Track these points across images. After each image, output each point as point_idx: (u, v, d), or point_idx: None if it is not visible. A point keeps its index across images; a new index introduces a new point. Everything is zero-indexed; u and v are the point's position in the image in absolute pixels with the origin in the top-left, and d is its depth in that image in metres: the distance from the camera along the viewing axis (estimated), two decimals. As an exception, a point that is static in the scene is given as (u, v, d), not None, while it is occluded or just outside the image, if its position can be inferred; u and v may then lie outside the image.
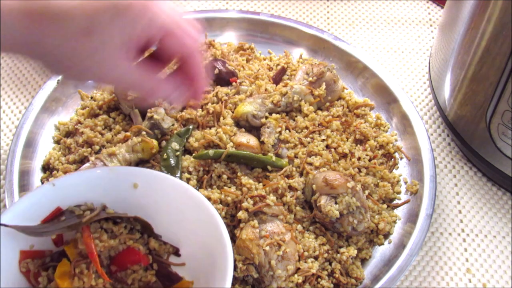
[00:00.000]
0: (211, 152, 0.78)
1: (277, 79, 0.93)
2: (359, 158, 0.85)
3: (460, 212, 0.88)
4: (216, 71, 0.90)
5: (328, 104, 0.91)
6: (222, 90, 0.88)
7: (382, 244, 0.80)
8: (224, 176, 0.78)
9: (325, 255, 0.75)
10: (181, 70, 0.63)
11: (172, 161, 0.78)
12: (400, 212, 0.83)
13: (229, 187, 0.77)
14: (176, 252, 0.68)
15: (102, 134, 0.86)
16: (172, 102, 0.66)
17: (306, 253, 0.74)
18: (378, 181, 0.85)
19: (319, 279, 0.74)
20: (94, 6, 0.53)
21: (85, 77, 0.65)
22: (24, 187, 0.81)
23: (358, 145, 0.87)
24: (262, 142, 0.82)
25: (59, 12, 0.53)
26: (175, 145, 0.80)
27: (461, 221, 0.87)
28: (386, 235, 0.81)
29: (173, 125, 0.83)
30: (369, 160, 0.86)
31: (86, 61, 0.56)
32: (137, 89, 0.64)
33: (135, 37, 0.57)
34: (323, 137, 0.86)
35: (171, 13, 0.59)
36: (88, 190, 0.66)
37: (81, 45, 0.54)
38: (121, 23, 0.55)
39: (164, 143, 0.81)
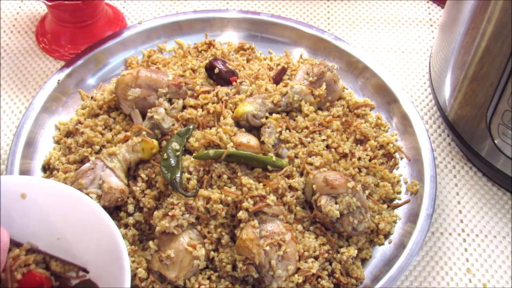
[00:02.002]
0: (211, 152, 0.78)
1: (277, 79, 0.93)
2: (359, 158, 0.85)
3: (460, 212, 0.88)
4: (216, 70, 0.90)
5: (328, 104, 0.91)
6: (223, 90, 0.88)
7: (382, 244, 0.80)
8: (224, 176, 0.78)
9: (325, 255, 0.75)
10: None
11: (172, 161, 0.78)
12: (400, 212, 0.83)
13: (229, 187, 0.77)
14: (84, 270, 0.65)
15: (102, 134, 0.86)
16: None
17: (306, 253, 0.74)
18: (378, 181, 0.85)
19: (319, 279, 0.74)
20: None
21: None
22: (24, 187, 0.81)
23: (358, 145, 0.87)
24: (262, 142, 0.82)
25: None
26: (175, 145, 0.80)
27: (461, 221, 0.87)
28: (386, 235, 0.81)
29: (173, 125, 0.83)
30: (369, 160, 0.86)
31: None
32: None
33: None
34: (324, 137, 0.86)
35: None
36: None
37: None
38: None
39: (164, 143, 0.81)
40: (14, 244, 0.63)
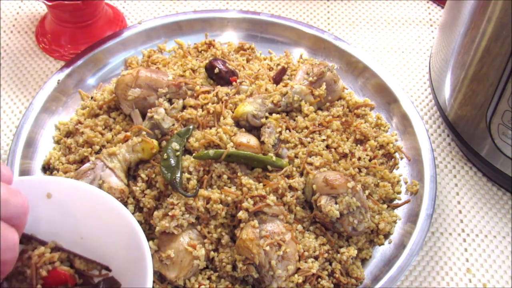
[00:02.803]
0: (211, 152, 0.78)
1: (277, 79, 0.93)
2: (359, 158, 0.85)
3: (460, 212, 0.88)
4: (216, 70, 0.90)
5: (328, 104, 0.91)
6: (222, 90, 0.88)
7: (382, 244, 0.80)
8: (224, 176, 0.78)
9: (325, 255, 0.75)
10: None
11: (172, 161, 0.78)
12: (400, 212, 0.83)
13: (229, 187, 0.77)
14: (107, 268, 0.66)
15: (102, 134, 0.86)
16: None
17: (306, 253, 0.74)
18: (378, 181, 0.85)
19: (319, 279, 0.74)
20: None
21: None
22: (24, 187, 0.81)
23: (358, 145, 0.87)
24: (262, 142, 0.82)
25: None
26: (175, 145, 0.80)
27: (461, 221, 0.87)
28: (386, 235, 0.81)
29: (173, 125, 0.83)
30: (369, 160, 0.86)
31: None
32: None
33: None
34: (323, 137, 0.86)
35: None
36: None
37: None
38: None
39: (164, 143, 0.81)
40: (40, 242, 0.65)
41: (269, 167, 0.80)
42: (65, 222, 0.65)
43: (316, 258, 0.75)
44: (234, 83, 0.89)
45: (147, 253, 0.61)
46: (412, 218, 0.81)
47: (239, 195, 0.76)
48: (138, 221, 0.77)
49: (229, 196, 0.76)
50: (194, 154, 0.79)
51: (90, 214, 0.65)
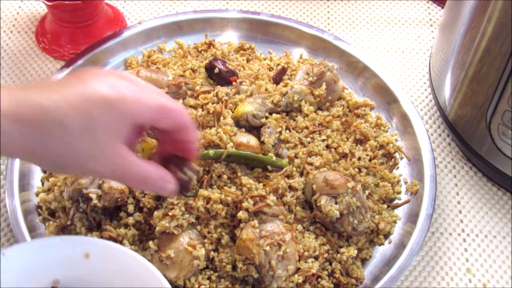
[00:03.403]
0: (211, 152, 0.78)
1: (277, 79, 0.93)
2: (359, 158, 0.85)
3: (460, 212, 0.88)
4: (216, 70, 0.90)
5: (328, 104, 0.91)
6: (222, 90, 0.88)
7: (382, 244, 0.80)
8: (224, 176, 0.78)
9: (325, 255, 0.75)
10: (174, 140, 0.65)
11: (172, 161, 0.78)
12: (400, 212, 0.83)
13: (229, 187, 0.77)
14: None
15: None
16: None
17: (306, 253, 0.74)
18: (378, 181, 0.85)
19: (319, 279, 0.74)
20: (85, 104, 0.54)
21: (84, 173, 0.68)
22: (24, 187, 0.81)
23: (358, 145, 0.87)
24: (262, 142, 0.82)
25: (55, 118, 0.53)
26: (175, 145, 0.80)
27: (461, 221, 0.87)
28: (386, 235, 0.81)
29: (173, 125, 0.83)
30: (369, 160, 0.86)
31: (82, 158, 0.56)
32: (143, 186, 0.66)
33: (130, 127, 0.57)
34: (323, 137, 0.86)
35: (158, 97, 0.60)
36: (40, 260, 0.64)
37: (78, 145, 0.54)
38: (114, 118, 0.55)
39: (164, 143, 0.81)
40: None
41: (269, 167, 0.80)
42: (101, 283, 0.65)
43: (316, 258, 0.75)
44: (234, 83, 0.89)
45: None
46: (412, 218, 0.81)
47: (239, 195, 0.76)
48: (138, 221, 0.77)
49: (229, 196, 0.76)
50: (194, 154, 0.79)
51: (126, 276, 0.65)
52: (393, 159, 0.88)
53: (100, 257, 0.65)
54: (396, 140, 0.90)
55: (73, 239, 0.67)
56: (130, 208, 0.77)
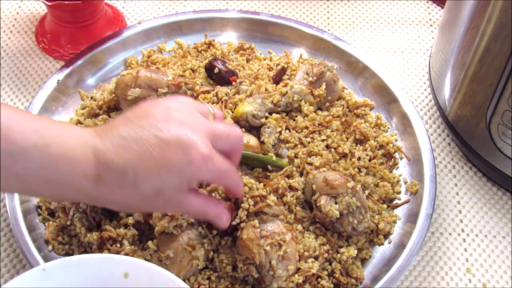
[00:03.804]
0: (211, 152, 0.78)
1: (277, 79, 0.93)
2: (359, 158, 0.85)
3: (460, 212, 0.88)
4: (216, 70, 0.90)
5: (328, 104, 0.91)
6: (222, 90, 0.88)
7: (382, 244, 0.80)
8: (224, 176, 0.78)
9: (325, 255, 0.75)
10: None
11: (172, 161, 0.78)
12: (400, 212, 0.83)
13: (229, 187, 0.77)
14: None
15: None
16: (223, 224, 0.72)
17: (306, 253, 0.74)
18: (378, 181, 0.85)
19: (319, 279, 0.74)
20: (155, 166, 0.60)
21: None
22: (24, 187, 0.81)
23: (358, 145, 0.87)
24: (262, 142, 0.82)
25: (127, 179, 0.60)
26: (175, 145, 0.79)
27: (461, 221, 0.87)
28: (386, 235, 0.81)
29: (173, 125, 0.83)
30: (369, 160, 0.86)
31: (150, 208, 0.70)
32: (204, 217, 0.71)
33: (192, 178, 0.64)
34: (323, 137, 0.86)
35: (221, 160, 0.65)
36: (80, 277, 0.64)
37: (147, 202, 0.64)
38: (180, 181, 0.62)
39: (164, 143, 0.81)
40: None
41: (269, 167, 0.80)
42: None
43: (316, 258, 0.75)
44: (234, 83, 0.89)
45: None
46: (412, 218, 0.81)
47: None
48: (138, 221, 0.77)
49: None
50: (194, 154, 0.79)
51: None
52: (393, 159, 0.88)
53: (138, 277, 0.65)
54: (396, 140, 0.90)
55: (114, 258, 0.67)
56: (130, 208, 0.77)
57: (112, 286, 0.63)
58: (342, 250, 0.76)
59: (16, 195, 0.79)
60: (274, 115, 0.86)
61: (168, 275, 0.65)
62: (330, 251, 0.76)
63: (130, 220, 0.76)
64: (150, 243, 0.73)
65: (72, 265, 0.64)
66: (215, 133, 0.65)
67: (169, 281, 0.64)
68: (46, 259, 0.76)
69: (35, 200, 0.81)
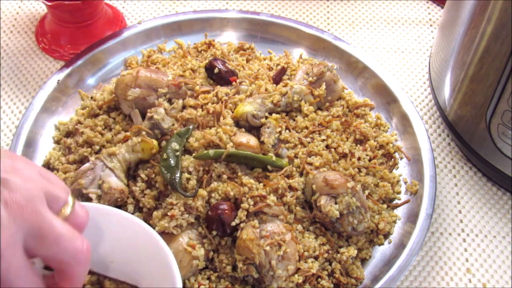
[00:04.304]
0: (211, 152, 0.78)
1: (277, 79, 0.93)
2: (359, 158, 0.85)
3: (460, 212, 0.88)
4: (216, 70, 0.90)
5: (328, 104, 0.91)
6: (222, 90, 0.88)
7: (382, 244, 0.80)
8: (224, 176, 0.78)
9: (325, 255, 0.75)
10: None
11: (172, 161, 0.78)
12: (400, 212, 0.83)
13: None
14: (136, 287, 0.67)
15: (102, 134, 0.86)
16: None
17: (306, 253, 0.74)
18: (378, 181, 0.85)
19: (319, 279, 0.74)
20: None
21: None
22: (24, 187, 0.81)
23: (358, 145, 0.87)
24: (262, 142, 0.82)
25: None
26: (175, 145, 0.80)
27: (461, 221, 0.87)
28: (386, 235, 0.81)
29: (173, 125, 0.83)
30: (369, 160, 0.86)
31: None
32: None
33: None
34: (323, 137, 0.86)
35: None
36: None
37: None
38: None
39: (164, 143, 0.81)
40: None
41: (269, 167, 0.80)
42: (97, 247, 0.65)
43: (316, 258, 0.75)
44: (234, 83, 0.89)
45: (176, 274, 0.61)
46: (412, 218, 0.81)
47: (240, 190, 0.76)
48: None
49: (233, 191, 0.75)
50: (194, 154, 0.79)
51: (121, 238, 0.66)
52: (393, 159, 0.88)
53: (95, 221, 0.64)
54: (396, 140, 0.90)
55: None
56: (130, 208, 0.77)
57: None
58: (342, 250, 0.76)
59: None
60: (274, 115, 0.86)
61: (125, 216, 0.65)
62: (330, 251, 0.76)
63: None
64: (150, 243, 0.73)
65: None
66: (42, 228, 0.48)
67: (126, 221, 0.65)
68: None
69: None
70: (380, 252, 0.80)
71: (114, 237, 0.66)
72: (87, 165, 0.79)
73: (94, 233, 0.64)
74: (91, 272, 0.66)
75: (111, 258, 0.67)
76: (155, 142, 0.81)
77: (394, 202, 0.85)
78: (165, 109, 0.84)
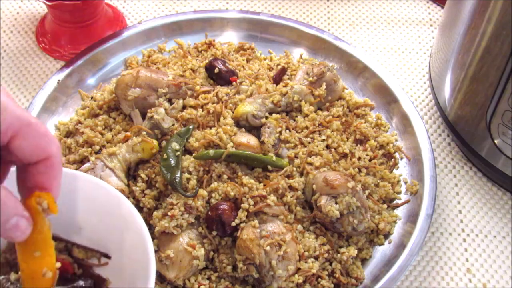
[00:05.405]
0: (211, 152, 0.78)
1: (277, 79, 0.93)
2: (359, 158, 0.85)
3: (460, 212, 0.88)
4: (216, 70, 0.90)
5: (328, 104, 0.91)
6: (222, 90, 0.88)
7: (382, 244, 0.80)
8: (225, 176, 0.78)
9: (326, 255, 0.75)
10: (31, 175, 0.53)
11: (172, 161, 0.78)
12: (400, 212, 0.83)
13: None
14: (106, 256, 0.65)
15: (102, 134, 0.86)
16: (8, 232, 0.51)
17: (306, 253, 0.74)
18: (378, 181, 0.85)
19: (319, 279, 0.74)
20: None
21: None
22: (24, 187, 0.81)
23: (358, 145, 0.87)
24: (262, 142, 0.82)
25: None
26: (175, 145, 0.80)
27: (461, 221, 0.87)
28: (386, 235, 0.81)
29: (173, 125, 0.84)
30: (369, 160, 0.86)
31: None
32: None
33: None
34: (323, 137, 0.86)
35: (19, 112, 0.50)
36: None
37: None
38: None
39: (164, 143, 0.81)
40: None
41: (269, 167, 0.80)
42: (63, 212, 0.62)
43: (316, 258, 0.75)
44: (234, 83, 0.89)
45: (148, 241, 0.60)
46: (412, 218, 0.81)
47: (241, 190, 0.76)
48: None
49: (233, 191, 0.75)
50: (194, 154, 0.79)
51: (89, 203, 0.65)
52: (393, 159, 0.88)
53: (62, 186, 0.61)
54: (396, 140, 0.90)
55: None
56: (130, 208, 0.77)
57: None
58: (342, 250, 0.76)
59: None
60: (274, 115, 0.86)
61: (93, 180, 0.64)
62: (330, 251, 0.76)
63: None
64: (150, 243, 0.73)
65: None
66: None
67: (94, 186, 0.64)
68: None
69: None
70: (380, 252, 0.80)
71: (84, 204, 0.64)
72: (87, 165, 0.79)
73: (61, 197, 0.60)
74: (58, 239, 0.64)
75: (79, 224, 0.65)
76: (155, 142, 0.81)
77: (394, 202, 0.85)
78: (165, 109, 0.84)
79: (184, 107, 0.87)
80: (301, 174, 0.81)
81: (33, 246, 0.54)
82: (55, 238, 0.64)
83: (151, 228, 0.77)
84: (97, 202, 0.65)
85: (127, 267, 0.63)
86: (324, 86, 0.89)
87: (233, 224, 0.74)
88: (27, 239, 0.53)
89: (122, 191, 0.76)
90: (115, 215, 0.64)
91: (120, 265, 0.64)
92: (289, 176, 0.80)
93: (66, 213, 0.64)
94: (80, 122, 0.88)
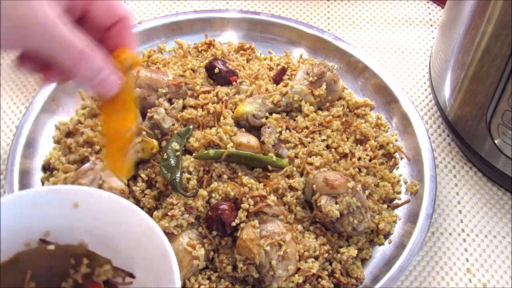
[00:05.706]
0: (211, 152, 0.78)
1: (277, 79, 0.93)
2: (359, 158, 0.85)
3: (460, 212, 0.88)
4: (217, 70, 0.90)
5: (328, 104, 0.91)
6: (222, 90, 0.88)
7: (382, 244, 0.80)
8: (225, 176, 0.78)
9: (326, 255, 0.75)
10: (110, 39, 0.57)
11: (172, 161, 0.78)
12: (400, 212, 0.83)
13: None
14: (131, 275, 0.65)
15: (102, 134, 0.86)
16: (99, 87, 0.55)
17: (306, 253, 0.74)
18: (378, 181, 0.85)
19: (319, 279, 0.74)
20: None
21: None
22: (24, 187, 0.81)
23: (359, 145, 0.87)
24: (262, 142, 0.82)
25: None
26: (175, 145, 0.80)
27: (461, 221, 0.87)
28: (386, 235, 0.81)
29: (173, 125, 0.84)
30: (369, 160, 0.86)
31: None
32: (63, 50, 0.52)
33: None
34: (324, 137, 0.86)
35: None
36: (28, 213, 0.62)
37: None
38: None
39: (164, 143, 0.81)
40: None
41: (269, 167, 0.80)
42: (91, 232, 0.64)
43: (316, 258, 0.75)
44: (234, 83, 0.89)
45: (173, 261, 0.60)
46: (412, 218, 0.81)
47: (241, 190, 0.76)
48: (138, 221, 0.77)
49: (233, 191, 0.75)
50: (194, 154, 0.79)
51: (115, 223, 0.64)
52: (393, 159, 0.88)
53: (89, 205, 0.63)
54: (396, 140, 0.90)
55: (60, 189, 0.65)
56: (130, 208, 0.77)
57: (62, 217, 0.62)
58: (342, 250, 0.76)
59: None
60: (274, 115, 0.86)
61: (119, 200, 0.64)
62: (330, 251, 0.76)
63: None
64: (150, 243, 0.73)
65: (19, 202, 0.62)
66: None
67: (120, 205, 0.63)
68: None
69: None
70: (380, 252, 0.80)
71: (109, 222, 0.64)
72: (87, 165, 0.79)
73: (87, 217, 0.62)
74: (99, 256, 0.65)
75: (106, 243, 0.65)
76: (155, 142, 0.81)
77: (394, 202, 0.85)
78: (165, 109, 0.84)
79: (184, 107, 0.87)
80: (301, 174, 0.81)
81: (118, 104, 0.57)
82: (96, 256, 0.64)
83: (151, 228, 0.77)
84: (122, 221, 0.64)
85: (151, 284, 0.63)
86: (324, 86, 0.89)
87: (233, 224, 0.74)
88: (113, 98, 0.56)
89: (122, 191, 0.77)
90: (139, 234, 0.63)
91: (143, 283, 0.64)
92: (289, 176, 0.80)
93: (93, 232, 0.64)
94: (80, 122, 0.88)
